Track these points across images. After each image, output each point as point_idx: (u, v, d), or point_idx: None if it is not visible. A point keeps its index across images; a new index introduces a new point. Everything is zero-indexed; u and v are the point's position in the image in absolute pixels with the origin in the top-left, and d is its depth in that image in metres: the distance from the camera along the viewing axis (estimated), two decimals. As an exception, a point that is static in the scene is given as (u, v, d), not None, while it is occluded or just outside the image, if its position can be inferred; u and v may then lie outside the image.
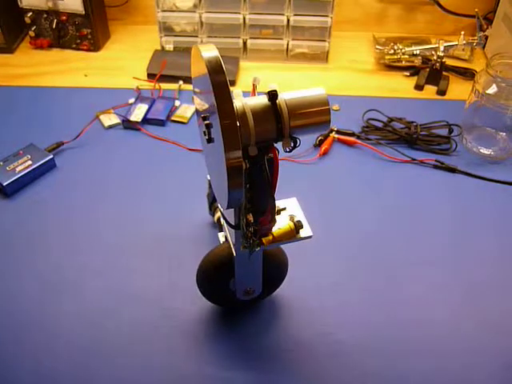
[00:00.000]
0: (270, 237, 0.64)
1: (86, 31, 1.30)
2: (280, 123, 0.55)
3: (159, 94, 1.20)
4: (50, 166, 1.03)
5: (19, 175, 0.98)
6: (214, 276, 0.75)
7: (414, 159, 1.06)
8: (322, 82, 1.26)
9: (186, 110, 1.16)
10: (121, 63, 1.30)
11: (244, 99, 0.56)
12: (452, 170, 1.04)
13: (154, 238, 0.91)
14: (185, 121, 1.14)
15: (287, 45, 1.29)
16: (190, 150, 1.07)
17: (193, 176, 0.97)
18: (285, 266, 0.78)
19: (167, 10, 1.26)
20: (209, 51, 0.53)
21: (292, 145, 0.57)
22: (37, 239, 0.91)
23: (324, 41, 1.28)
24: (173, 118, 1.15)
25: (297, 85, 1.24)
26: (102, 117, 1.14)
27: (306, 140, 1.09)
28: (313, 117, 0.57)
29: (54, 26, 1.30)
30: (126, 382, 0.73)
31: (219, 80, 0.51)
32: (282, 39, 1.28)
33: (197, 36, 1.29)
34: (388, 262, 0.88)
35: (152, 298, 0.82)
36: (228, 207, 0.57)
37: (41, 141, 1.05)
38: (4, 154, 1.02)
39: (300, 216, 0.68)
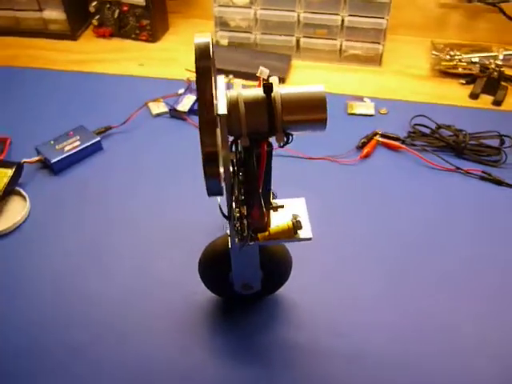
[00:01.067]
0: (266, 233, 0.64)
1: (146, 22, 1.35)
2: (272, 116, 0.55)
3: (208, 87, 1.22)
4: (96, 148, 1.07)
5: (67, 154, 1.03)
6: (213, 267, 0.75)
7: (460, 168, 1.02)
8: (374, 85, 1.24)
9: (232, 104, 1.18)
10: (175, 55, 1.34)
11: (240, 90, 0.56)
12: (499, 183, 0.99)
13: (185, 225, 0.92)
14: (230, 114, 1.16)
15: (340, 45, 1.27)
16: (232, 142, 1.08)
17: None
18: (287, 265, 0.77)
19: (224, 4, 1.28)
20: (201, 38, 0.54)
21: (285, 140, 0.56)
22: (75, 216, 0.95)
23: (378, 43, 1.26)
24: (219, 111, 1.16)
25: (347, 86, 1.23)
26: (150, 104, 1.17)
27: (349, 141, 1.07)
28: (307, 113, 0.56)
29: (115, 16, 1.35)
30: (138, 359, 0.75)
31: (203, 65, 0.52)
32: (335, 39, 1.27)
33: (251, 32, 1.30)
34: (417, 272, 0.85)
35: (168, 284, 0.84)
36: (208, 194, 0.57)
37: (91, 124, 1.10)
38: (56, 134, 1.07)
39: (303, 217, 0.67)
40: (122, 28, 1.37)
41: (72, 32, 1.38)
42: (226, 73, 1.24)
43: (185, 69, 1.27)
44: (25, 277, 0.86)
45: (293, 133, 0.57)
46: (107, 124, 1.11)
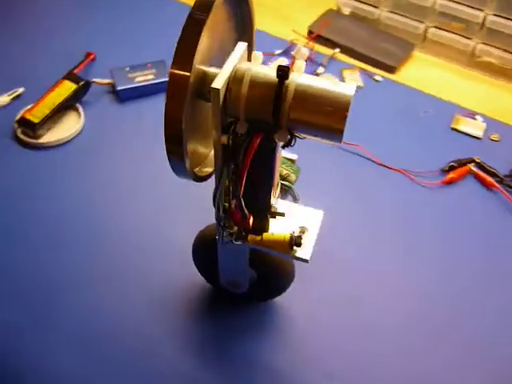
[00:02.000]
0: (259, 238, 0.53)
1: (270, -31, 1.24)
2: (278, 109, 0.44)
3: (309, 55, 1.10)
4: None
5: (135, 85, 0.99)
6: (202, 253, 0.67)
7: (559, 233, 0.82)
8: (496, 102, 1.04)
9: (325, 80, 1.05)
10: (289, 13, 1.22)
11: (254, 65, 0.46)
12: None
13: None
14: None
15: (474, 47, 1.08)
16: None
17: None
18: (285, 270, 0.66)
19: (355, -31, 1.13)
20: None
21: (288, 140, 0.45)
22: (123, 148, 0.93)
23: (520, 56, 1.04)
24: (308, 84, 1.05)
25: (464, 96, 1.04)
26: (240, 57, 1.08)
27: (438, 159, 0.91)
28: (321, 117, 0.44)
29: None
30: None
31: (195, 17, 0.42)
32: (470, 39, 1.07)
33: (377, 7, 1.15)
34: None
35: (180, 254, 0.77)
36: (176, 173, 0.49)
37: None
38: (138, 62, 1.03)
39: (312, 233, 0.56)
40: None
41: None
42: (335, 45, 1.11)
43: (292, 29, 1.16)
44: (60, 191, 0.85)
45: (299, 135, 0.45)
46: (189, 65, 1.05)
